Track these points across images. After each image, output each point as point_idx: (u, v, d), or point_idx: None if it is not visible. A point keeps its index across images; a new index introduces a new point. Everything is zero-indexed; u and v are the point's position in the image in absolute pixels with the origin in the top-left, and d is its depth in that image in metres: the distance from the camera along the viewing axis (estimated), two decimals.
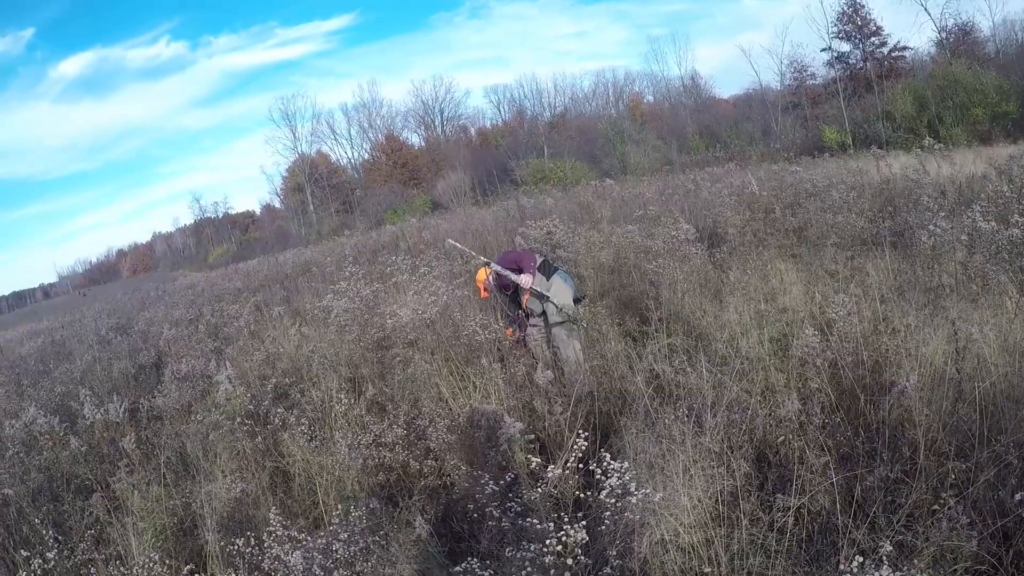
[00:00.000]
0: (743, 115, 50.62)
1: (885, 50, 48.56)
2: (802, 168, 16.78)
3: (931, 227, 7.81)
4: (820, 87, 50.40)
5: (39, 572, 4.14)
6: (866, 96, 42.49)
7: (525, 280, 7.33)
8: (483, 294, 7.73)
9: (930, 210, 9.03)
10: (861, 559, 2.78)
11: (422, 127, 68.49)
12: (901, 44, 48.28)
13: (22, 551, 4.53)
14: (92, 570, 4.82)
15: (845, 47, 49.40)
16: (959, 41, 44.64)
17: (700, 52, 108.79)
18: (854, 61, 49.23)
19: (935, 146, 14.45)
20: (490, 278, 7.53)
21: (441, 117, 68.46)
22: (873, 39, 48.45)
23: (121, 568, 4.45)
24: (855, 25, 48.29)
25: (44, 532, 4.90)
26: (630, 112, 60.34)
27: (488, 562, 3.98)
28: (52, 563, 4.30)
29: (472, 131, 69.95)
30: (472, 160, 54.78)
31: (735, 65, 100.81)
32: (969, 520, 3.32)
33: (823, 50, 49.67)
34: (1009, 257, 6.82)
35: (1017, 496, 2.90)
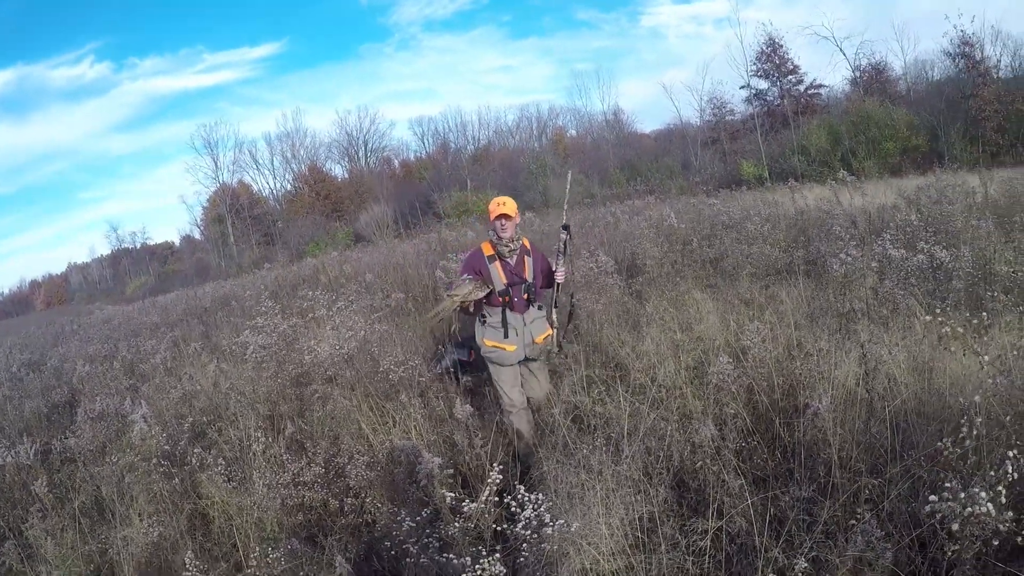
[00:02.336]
0: (664, 149, 51.70)
1: (802, 87, 50.40)
2: (720, 201, 17.21)
3: (843, 255, 8.08)
4: (739, 123, 51.84)
5: None
6: (783, 131, 44.03)
7: (560, 276, 6.35)
8: (463, 302, 6.08)
9: (842, 239, 9.33)
10: None
11: (346, 158, 67.91)
12: (817, 82, 50.39)
13: None
14: None
15: (763, 84, 51.14)
16: (872, 79, 46.34)
17: (623, 88, 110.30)
18: (772, 98, 50.87)
19: (848, 178, 14.97)
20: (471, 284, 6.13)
21: (365, 148, 67.97)
22: (790, 77, 50.31)
23: None
24: (773, 64, 50.05)
25: None
26: (553, 146, 61.11)
27: None
28: None
29: (396, 163, 69.67)
30: (395, 192, 54.72)
31: (657, 101, 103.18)
32: (884, 532, 3.43)
33: (742, 87, 51.58)
34: (917, 282, 7.17)
35: (927, 507, 3.01)
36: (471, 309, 6.18)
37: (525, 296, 6.20)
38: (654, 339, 6.95)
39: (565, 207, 6.57)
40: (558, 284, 6.35)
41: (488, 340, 6.23)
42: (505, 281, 6.13)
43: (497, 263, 6.15)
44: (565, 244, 6.31)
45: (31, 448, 7.59)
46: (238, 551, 5.37)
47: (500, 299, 6.13)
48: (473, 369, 7.60)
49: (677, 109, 68.15)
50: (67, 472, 7.35)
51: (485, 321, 6.26)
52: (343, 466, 5.94)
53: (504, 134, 68.25)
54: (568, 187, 6.86)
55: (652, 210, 16.66)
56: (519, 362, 6.33)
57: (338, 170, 67.54)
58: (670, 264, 10.29)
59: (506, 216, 6.06)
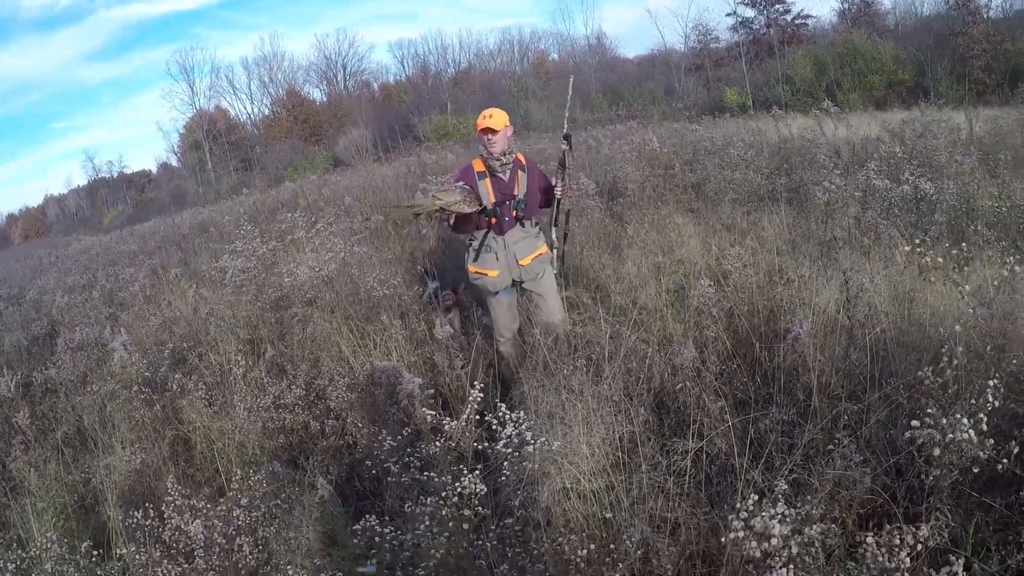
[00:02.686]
0: (647, 75, 51.36)
1: (788, 17, 50.00)
2: (703, 127, 17.09)
3: (826, 184, 8.07)
4: (723, 51, 51.72)
5: None
6: (768, 61, 43.98)
7: (560, 191, 6.00)
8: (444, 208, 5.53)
9: (825, 168, 9.30)
10: (757, 497, 2.86)
11: (324, 82, 67.09)
12: (804, 12, 50.90)
13: None
14: None
15: (750, 13, 50.78)
16: (860, 12, 46.43)
17: (607, 12, 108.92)
18: (758, 27, 50.56)
19: (832, 109, 14.84)
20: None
21: (344, 72, 67.11)
22: (777, 6, 49.93)
23: (20, 552, 4.35)
24: None
25: None
26: (535, 69, 60.34)
27: (389, 518, 4.00)
28: None
29: (375, 87, 68.83)
30: (375, 116, 54.00)
31: (641, 26, 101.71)
32: (862, 458, 3.43)
33: (728, 15, 51.62)
34: (900, 213, 7.19)
35: (907, 434, 3.01)
36: (450, 221, 5.67)
37: (514, 213, 5.75)
38: (635, 262, 6.93)
39: (566, 115, 6.10)
40: (558, 201, 5.99)
41: (471, 266, 5.89)
42: (494, 199, 5.68)
43: (487, 180, 5.71)
44: (565, 156, 5.88)
45: (12, 381, 7.54)
46: (220, 475, 5.38)
47: (487, 220, 5.70)
48: (461, 307, 7.32)
49: (661, 35, 67.92)
50: (49, 403, 7.31)
51: (471, 244, 5.87)
52: (324, 388, 5.93)
53: (485, 57, 67.54)
54: (569, 94, 6.37)
55: (634, 135, 16.47)
56: (517, 287, 6.00)
57: (316, 94, 66.97)
58: (652, 188, 10.27)
59: (490, 130, 5.58)
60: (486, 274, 5.84)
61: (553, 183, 5.94)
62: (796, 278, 5.56)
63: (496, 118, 5.62)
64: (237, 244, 8.78)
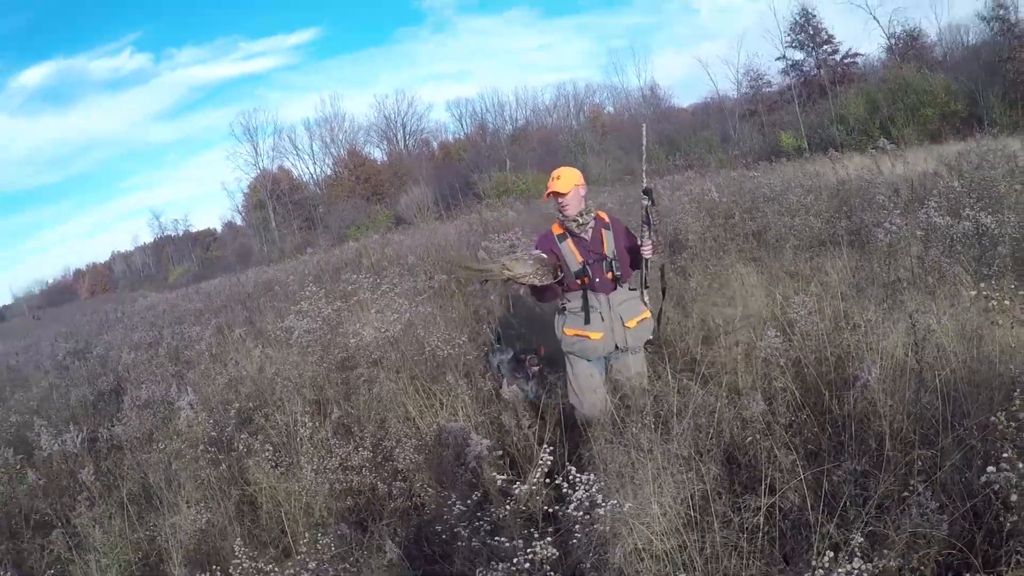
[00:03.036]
0: (702, 123, 51.38)
1: (837, 57, 49.84)
2: (760, 173, 16.97)
3: (887, 224, 7.95)
4: (776, 94, 51.62)
5: None
6: (820, 101, 43.68)
7: (648, 251, 5.41)
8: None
9: (885, 208, 9.18)
10: (832, 553, 2.77)
11: (385, 141, 68.27)
12: (852, 51, 49.92)
13: None
14: None
15: (799, 55, 50.69)
16: (907, 46, 46.03)
17: (659, 63, 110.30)
18: (808, 68, 50.41)
19: (888, 146, 14.69)
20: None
21: (404, 131, 68.24)
22: (825, 47, 49.81)
23: None
24: (807, 34, 49.70)
25: (2, 572, 4.76)
26: (591, 123, 60.82)
27: None
28: None
29: (435, 145, 69.90)
30: (435, 174, 54.76)
31: (693, 75, 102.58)
32: (939, 504, 3.36)
33: (778, 59, 51.29)
34: (962, 249, 7.08)
35: (983, 477, 2.91)
36: (521, 292, 5.81)
37: (609, 275, 5.32)
38: (700, 314, 6.85)
39: (644, 167, 5.61)
40: (646, 261, 5.41)
41: (569, 328, 5.43)
42: (580, 259, 5.29)
43: (569, 241, 5.35)
44: (647, 212, 5.34)
45: (78, 436, 7.60)
46: (287, 536, 5.33)
47: (578, 281, 5.29)
48: (540, 378, 6.74)
49: (714, 83, 67.93)
50: (114, 460, 7.36)
51: (564, 308, 5.45)
52: (391, 449, 5.87)
53: (542, 113, 68.04)
54: (644, 143, 5.70)
55: (692, 184, 16.40)
56: (610, 354, 5.50)
57: (377, 153, 68.07)
58: (712, 238, 10.15)
59: (558, 193, 5.26)
60: (588, 336, 5.35)
61: (639, 242, 5.36)
62: (862, 323, 5.46)
63: (564, 180, 5.27)
64: (302, 304, 8.84)
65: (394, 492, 5.59)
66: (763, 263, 8.54)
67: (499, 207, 21.70)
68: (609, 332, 5.34)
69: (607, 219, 5.52)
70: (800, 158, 24.53)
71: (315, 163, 67.59)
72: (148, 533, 5.79)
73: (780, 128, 42.63)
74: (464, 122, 69.11)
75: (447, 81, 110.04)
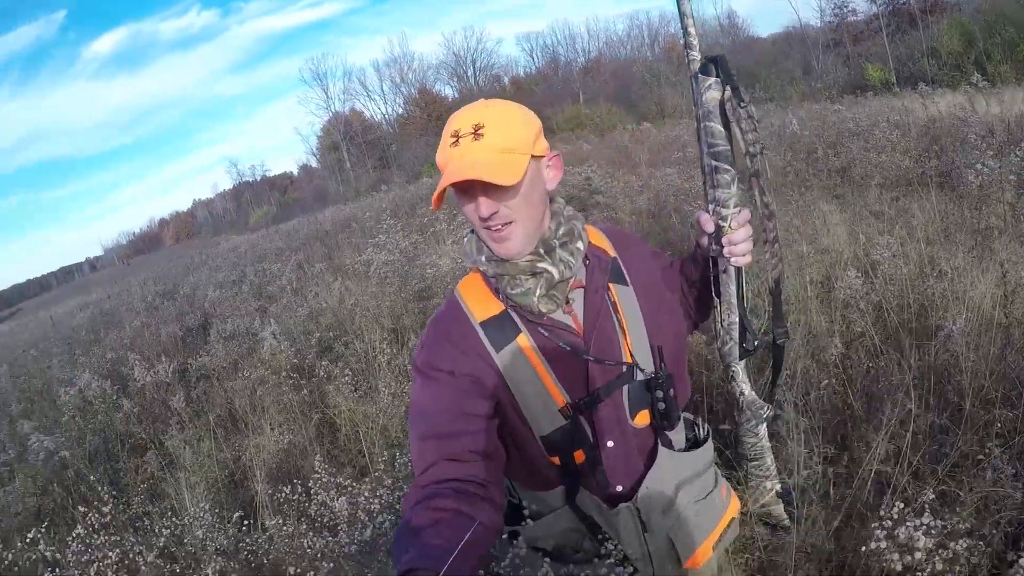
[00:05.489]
0: (782, 54, 49.32)
1: None
2: (844, 107, 16.46)
3: (979, 166, 7.64)
4: (862, 24, 48.53)
5: (96, 525, 4.25)
6: (910, 32, 41.18)
7: (743, 253, 2.02)
8: None
9: (978, 149, 8.84)
10: (903, 505, 2.73)
11: (455, 79, 67.59)
12: None
13: (80, 507, 4.65)
14: (147, 522, 4.94)
15: None
16: None
17: None
18: None
19: (982, 84, 14.12)
20: None
21: (474, 68, 67.39)
22: None
23: (175, 519, 4.57)
24: None
25: (100, 489, 5.03)
26: (666, 54, 59.30)
27: None
28: (108, 517, 4.40)
29: (506, 80, 68.55)
30: None
31: (773, 3, 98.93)
32: (1014, 471, 3.21)
33: None
34: None
35: None
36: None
37: (644, 419, 1.93)
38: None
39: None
40: (738, 272, 2.06)
41: None
42: (562, 399, 1.82)
43: (523, 337, 1.81)
44: (728, 116, 2.05)
45: (169, 367, 7.89)
46: (363, 457, 5.50)
47: (551, 460, 1.87)
48: None
49: (795, 11, 65.70)
50: (202, 388, 7.65)
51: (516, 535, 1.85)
52: None
53: (615, 45, 66.38)
54: None
55: (772, 117, 16.03)
56: None
57: (448, 91, 67.45)
58: (794, 173, 9.95)
59: (483, 189, 1.70)
60: None
61: (703, 228, 2.01)
62: (949, 270, 5.21)
63: (497, 140, 1.70)
64: (380, 238, 8.97)
65: None
66: (846, 201, 8.34)
67: (572, 140, 21.57)
68: None
69: (608, 246, 2.00)
70: (888, 93, 23.54)
71: (386, 103, 68.05)
72: (234, 453, 6.05)
73: (866, 60, 40.67)
74: (535, 56, 68.06)
75: (516, 15, 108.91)
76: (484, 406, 1.77)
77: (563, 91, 53.67)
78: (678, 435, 2.03)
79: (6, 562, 4.96)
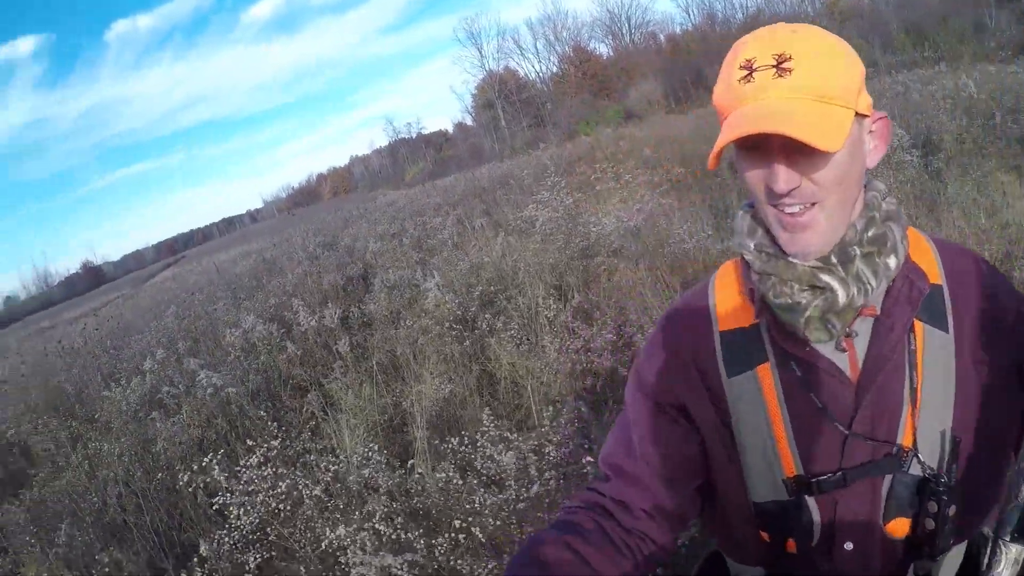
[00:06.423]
0: (952, 10, 46.49)
1: None
2: (1022, 69, 15.42)
3: None
4: None
5: (261, 460, 4.35)
6: None
7: None
8: None
9: None
10: None
11: (609, 36, 66.42)
12: None
13: (248, 440, 4.77)
14: (310, 458, 5.03)
15: None
16: None
17: None
18: None
19: None
20: None
21: (629, 25, 66.15)
22: None
23: (332, 458, 4.65)
24: None
25: (270, 424, 5.15)
26: (827, 9, 56.91)
27: None
28: (275, 451, 4.50)
29: (662, 38, 66.97)
30: (663, 67, 52.76)
31: None
32: None
33: None
34: None
35: None
36: None
37: (896, 529, 1.31)
38: (955, 225, 6.31)
39: None
40: None
41: None
42: (794, 469, 1.32)
43: (763, 372, 1.33)
44: None
45: (335, 314, 8.02)
46: (520, 411, 5.46)
47: (760, 531, 1.41)
48: None
49: None
50: (363, 335, 7.76)
51: None
52: (631, 335, 5.85)
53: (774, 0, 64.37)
54: None
55: (944, 79, 15.08)
56: None
57: (603, 49, 66.42)
58: (971, 140, 9.34)
59: (785, 151, 1.16)
60: None
61: None
62: None
63: (815, 86, 1.14)
64: (543, 194, 8.90)
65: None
66: None
67: None
68: None
69: (935, 266, 1.34)
70: None
71: (540, 61, 67.83)
72: (394, 399, 6.11)
73: None
74: (691, 12, 66.23)
75: None
76: (688, 447, 1.42)
77: (721, 48, 52.06)
78: (946, 570, 1.39)
79: (180, 484, 5.19)
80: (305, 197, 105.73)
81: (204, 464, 4.49)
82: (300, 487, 4.32)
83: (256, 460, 4.34)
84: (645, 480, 1.40)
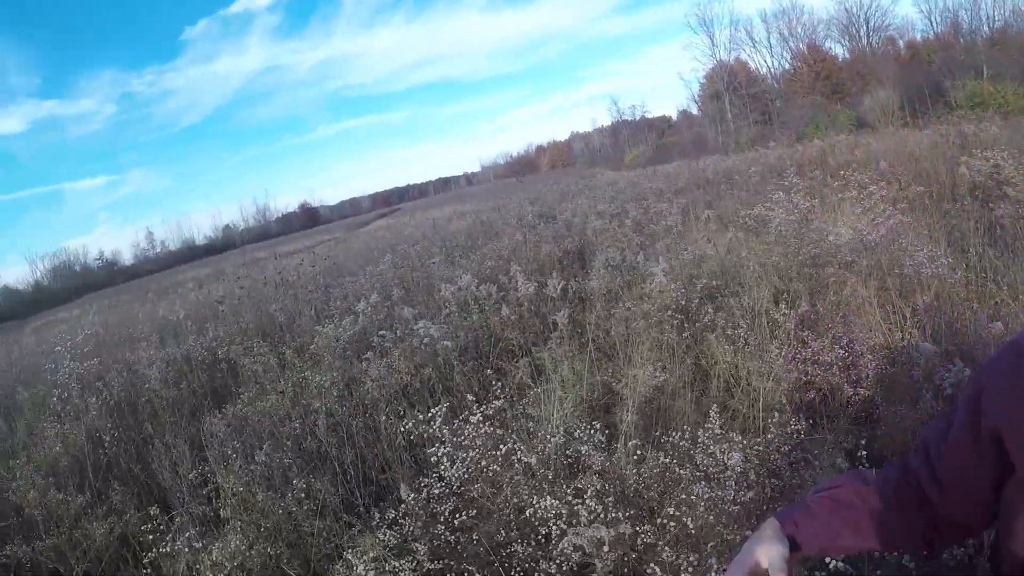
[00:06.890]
0: None
1: None
2: None
3: None
4: None
5: (480, 418, 4.47)
6: None
7: None
8: None
9: None
10: None
11: (846, 37, 63.39)
12: None
13: (468, 396, 4.92)
14: (529, 424, 5.15)
15: None
16: None
17: None
18: None
19: None
20: None
21: (867, 27, 62.94)
22: None
23: (547, 426, 4.75)
24: None
25: (494, 384, 5.28)
26: None
27: None
28: (492, 411, 4.63)
29: (901, 44, 63.52)
30: (900, 76, 49.99)
31: None
32: None
33: None
34: None
35: None
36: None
37: None
38: None
39: None
40: None
41: None
42: None
43: None
44: None
45: (558, 285, 8.11)
46: (727, 411, 5.39)
47: None
48: None
49: None
50: (579, 309, 7.82)
51: None
52: (860, 354, 5.66)
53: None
54: None
55: None
56: None
57: (838, 49, 63.59)
58: None
59: None
60: None
61: None
62: None
63: None
64: (778, 195, 8.71)
65: (854, 399, 5.41)
66: None
67: (975, 120, 19.69)
68: None
69: None
70: None
71: (772, 56, 65.43)
72: (603, 378, 6.15)
73: None
74: (933, 20, 62.31)
75: None
76: (979, 477, 1.39)
77: (964, 62, 48.81)
78: None
79: (381, 425, 5.40)
80: (522, 166, 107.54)
81: (429, 415, 4.66)
82: (517, 452, 4.42)
83: (476, 418, 4.47)
84: (943, 481, 1.44)
